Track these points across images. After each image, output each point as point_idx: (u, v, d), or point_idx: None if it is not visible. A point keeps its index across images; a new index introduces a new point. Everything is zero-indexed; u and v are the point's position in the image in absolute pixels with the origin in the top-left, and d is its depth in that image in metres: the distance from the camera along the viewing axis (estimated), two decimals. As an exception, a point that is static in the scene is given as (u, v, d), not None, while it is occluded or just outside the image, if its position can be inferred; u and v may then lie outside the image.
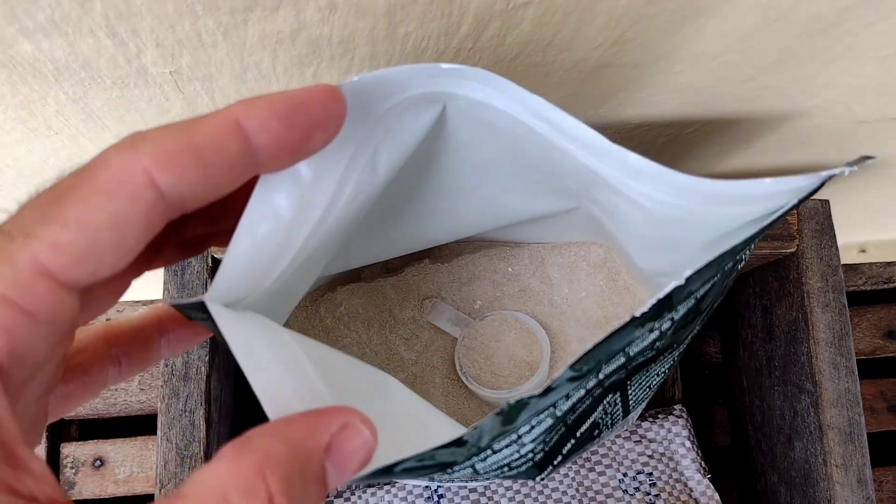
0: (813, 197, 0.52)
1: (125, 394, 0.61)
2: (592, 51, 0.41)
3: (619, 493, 0.51)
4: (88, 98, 0.42)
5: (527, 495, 0.48)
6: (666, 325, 0.27)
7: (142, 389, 0.60)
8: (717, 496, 0.52)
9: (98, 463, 0.59)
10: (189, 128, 0.20)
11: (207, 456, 0.45)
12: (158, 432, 0.45)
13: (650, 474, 0.52)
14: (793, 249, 0.49)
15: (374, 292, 0.44)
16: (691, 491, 0.53)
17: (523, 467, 0.31)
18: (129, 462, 0.60)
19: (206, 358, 0.45)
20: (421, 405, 0.31)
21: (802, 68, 0.47)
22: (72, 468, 0.59)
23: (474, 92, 0.28)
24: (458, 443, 0.24)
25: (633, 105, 0.49)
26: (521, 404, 0.24)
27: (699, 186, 0.27)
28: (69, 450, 0.59)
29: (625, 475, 0.52)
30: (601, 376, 0.27)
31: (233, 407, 0.51)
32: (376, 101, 0.26)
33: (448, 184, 0.36)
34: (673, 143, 0.56)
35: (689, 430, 0.53)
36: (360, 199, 0.27)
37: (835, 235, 0.50)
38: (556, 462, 0.33)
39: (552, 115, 0.27)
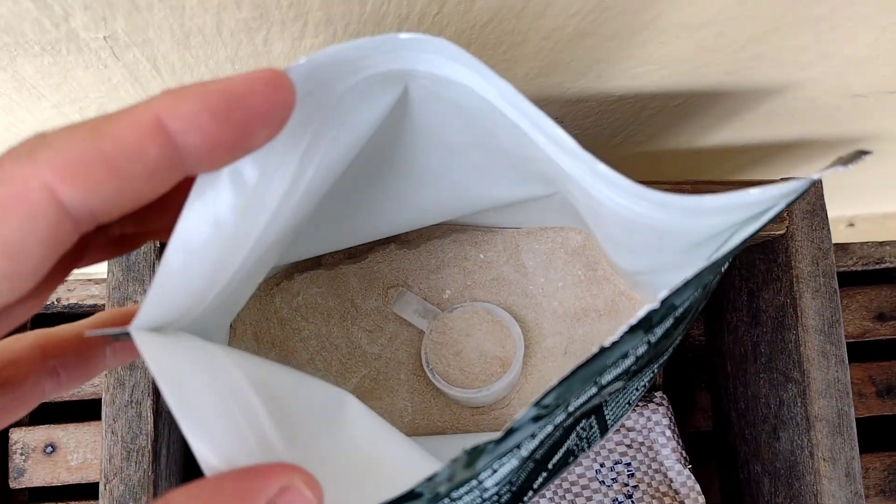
0: (828, 182, 0.49)
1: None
2: (569, 18, 0.38)
3: (595, 485, 0.49)
4: (17, 66, 0.38)
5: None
6: (642, 349, 0.24)
7: (96, 373, 0.57)
8: (697, 486, 0.50)
9: (49, 449, 0.57)
10: (99, 131, 0.17)
11: (155, 451, 0.42)
12: (103, 424, 0.42)
13: (628, 464, 0.50)
14: (782, 231, 0.46)
15: (334, 280, 0.41)
16: (671, 482, 0.50)
17: None
18: (83, 448, 0.57)
19: (154, 349, 0.41)
20: (381, 432, 0.27)
21: (796, 38, 0.43)
22: (21, 454, 0.57)
23: (438, 67, 0.25)
24: (411, 496, 0.21)
25: (614, 77, 0.46)
26: (478, 450, 0.21)
27: (677, 202, 0.24)
28: (18, 435, 0.56)
29: (602, 465, 0.49)
30: (571, 409, 0.25)
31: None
32: (329, 84, 0.23)
33: (414, 169, 0.32)
34: (657, 116, 0.53)
35: (670, 418, 0.51)
36: (317, 192, 0.24)
37: (827, 217, 0.47)
38: (526, 498, 0.30)
39: (521, 104, 0.24)
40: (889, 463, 0.59)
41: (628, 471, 0.50)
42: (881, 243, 0.62)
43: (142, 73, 0.40)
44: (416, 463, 0.27)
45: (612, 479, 0.49)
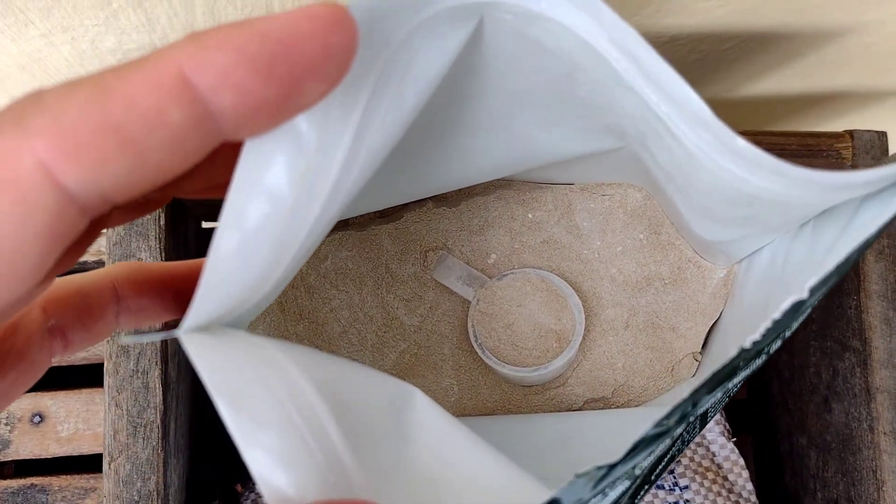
0: (870, 129, 0.45)
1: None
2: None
3: (635, 460, 0.46)
4: (3, -16, 0.33)
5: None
6: (776, 345, 0.21)
7: (86, 337, 0.53)
8: (741, 461, 0.47)
9: (37, 419, 0.53)
10: (106, 90, 0.13)
11: (164, 425, 0.38)
12: (105, 396, 0.38)
13: (669, 438, 0.47)
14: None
15: (366, 243, 0.36)
16: (714, 455, 0.47)
17: None
18: (74, 418, 0.53)
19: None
20: (456, 431, 0.23)
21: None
22: (6, 424, 0.53)
23: (534, 1, 0.21)
24: None
25: (673, 12, 0.42)
26: (593, 474, 0.18)
27: (812, 177, 0.21)
28: (3, 404, 0.52)
29: (641, 440, 0.46)
30: (691, 418, 0.21)
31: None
32: (398, 20, 0.19)
33: (472, 117, 0.28)
34: (704, 60, 0.49)
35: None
36: (382, 152, 0.20)
37: (895, 173, 0.43)
38: None
39: (644, 56, 0.21)
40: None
41: (669, 445, 0.47)
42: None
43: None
44: (503, 466, 0.23)
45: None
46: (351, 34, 0.15)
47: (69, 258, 0.18)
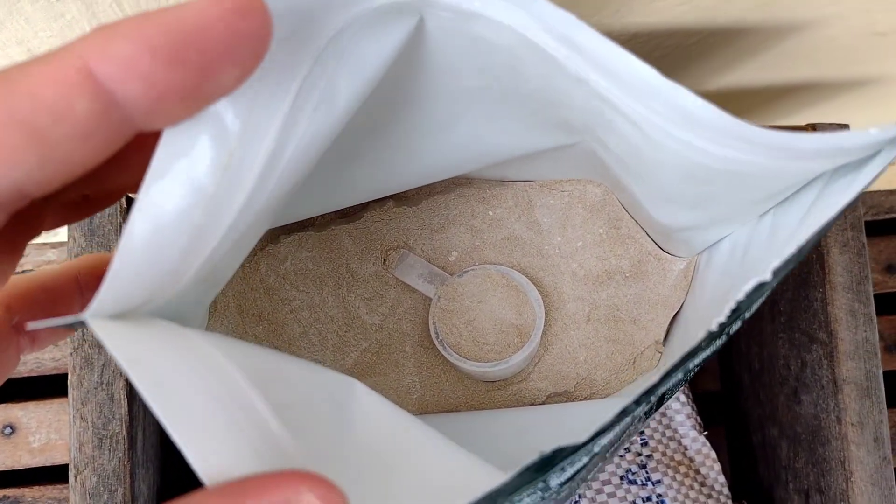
0: (833, 121, 0.46)
1: (38, 353, 0.53)
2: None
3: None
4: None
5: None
6: (736, 326, 0.21)
7: (56, 346, 0.53)
8: (713, 454, 0.47)
9: (8, 430, 0.52)
10: (9, 84, 0.14)
11: (131, 436, 0.38)
12: (70, 409, 0.38)
13: (642, 433, 0.47)
14: (810, 181, 0.43)
15: (326, 243, 0.36)
16: (686, 449, 0.48)
17: None
18: (45, 428, 0.53)
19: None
20: (400, 418, 0.23)
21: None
22: (-24, 436, 0.52)
23: (467, 1, 0.21)
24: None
25: (633, 12, 0.42)
26: (556, 454, 0.18)
27: (776, 141, 0.21)
28: (-27, 415, 0.52)
29: (613, 435, 0.46)
30: (652, 399, 0.21)
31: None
32: (328, 13, 0.19)
33: (422, 117, 0.28)
34: (670, 55, 0.49)
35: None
36: (315, 146, 0.20)
37: (857, 165, 0.43)
38: (580, 491, 0.27)
39: (583, 39, 0.20)
40: (897, 420, 0.57)
41: (641, 439, 0.47)
42: (891, 192, 0.59)
43: (101, 7, 0.35)
44: (448, 462, 0.23)
45: (626, 450, 0.46)
46: (262, 20, 0.15)
47: (11, 252, 0.18)
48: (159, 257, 0.17)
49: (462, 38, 0.23)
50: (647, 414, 0.27)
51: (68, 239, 0.38)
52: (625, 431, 0.25)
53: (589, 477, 0.28)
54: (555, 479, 0.21)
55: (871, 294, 0.43)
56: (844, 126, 0.44)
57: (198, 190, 0.16)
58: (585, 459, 0.22)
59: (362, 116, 0.24)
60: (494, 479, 0.19)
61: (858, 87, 0.62)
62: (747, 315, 0.24)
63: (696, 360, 0.24)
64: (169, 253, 0.17)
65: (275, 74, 0.17)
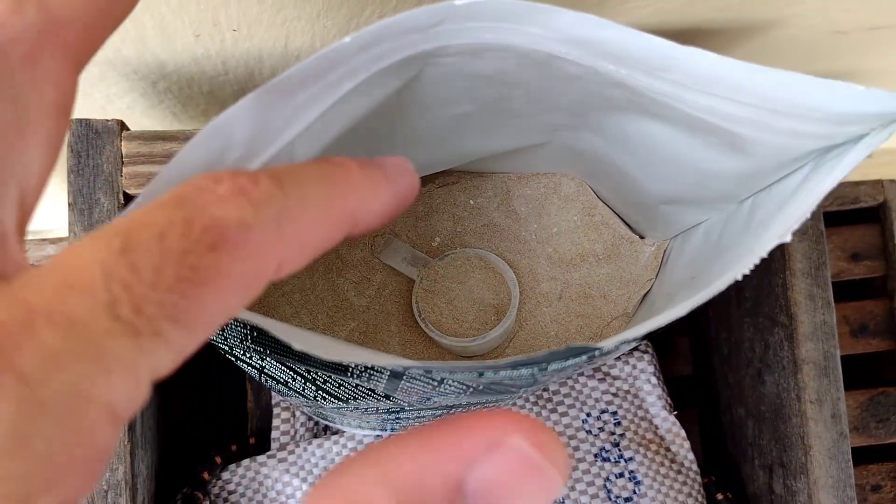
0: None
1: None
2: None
3: (582, 434, 0.48)
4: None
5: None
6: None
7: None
8: (682, 433, 0.50)
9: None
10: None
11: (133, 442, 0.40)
12: None
13: (615, 413, 0.50)
14: (771, 172, 0.46)
15: (317, 230, 0.39)
16: (657, 428, 0.50)
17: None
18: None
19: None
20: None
21: (791, -29, 0.42)
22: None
23: (478, 35, 0.23)
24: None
25: (603, 14, 0.44)
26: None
27: (778, 89, 0.23)
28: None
29: (588, 415, 0.49)
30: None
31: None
32: (335, 85, 0.21)
33: (412, 137, 0.31)
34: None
35: (655, 365, 0.51)
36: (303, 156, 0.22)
37: (815, 157, 0.46)
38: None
39: (594, 32, 0.22)
40: (862, 401, 0.60)
41: (614, 419, 0.49)
42: (856, 183, 0.62)
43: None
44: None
45: (599, 429, 0.48)
46: None
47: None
48: None
49: (459, 76, 0.25)
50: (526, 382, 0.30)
51: (69, 233, 0.40)
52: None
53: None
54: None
55: (829, 279, 0.46)
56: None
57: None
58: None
59: (353, 136, 0.26)
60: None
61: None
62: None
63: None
64: None
65: (280, 121, 0.20)
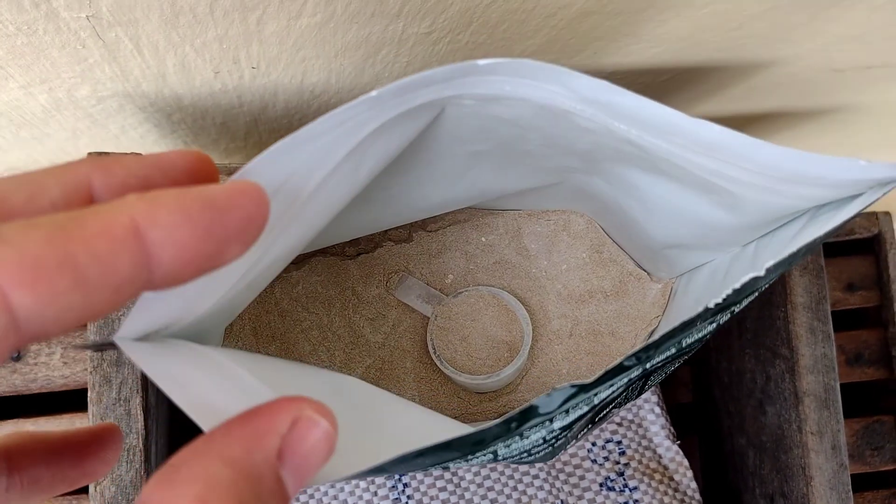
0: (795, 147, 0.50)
1: (46, 368, 0.55)
2: (578, -4, 0.37)
3: (587, 464, 0.49)
4: (-13, 47, 0.36)
5: (494, 470, 0.46)
6: (725, 318, 0.26)
7: (65, 363, 0.55)
8: (685, 462, 0.51)
9: (19, 443, 0.54)
10: (66, 229, 0.14)
11: (147, 449, 0.40)
12: (90, 423, 0.40)
13: (619, 442, 0.50)
14: (772, 210, 0.47)
15: (334, 268, 0.40)
16: (660, 458, 0.51)
17: (542, 453, 0.29)
18: (55, 441, 0.55)
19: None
20: (394, 399, 0.27)
21: (792, 16, 0.43)
22: (-11, 450, 0.54)
23: (497, 87, 0.25)
24: (508, 428, 0.22)
25: (608, 54, 0.45)
26: (574, 390, 0.22)
27: (786, 162, 0.24)
28: (-17, 432, 0.54)
29: (594, 444, 0.50)
30: (648, 366, 0.25)
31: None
32: (362, 125, 0.23)
33: (431, 171, 0.32)
34: (647, 90, 0.52)
35: (659, 395, 0.52)
36: (334, 207, 0.23)
37: (815, 194, 0.47)
38: (567, 446, 0.31)
39: (608, 97, 0.24)
40: (857, 429, 0.61)
41: (619, 449, 0.50)
42: (851, 217, 0.63)
43: (122, 52, 0.38)
44: (432, 420, 0.27)
45: (604, 458, 0.49)
46: (266, 209, 0.17)
47: None
48: (175, 296, 0.19)
49: (478, 117, 0.27)
50: (635, 387, 0.30)
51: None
52: (617, 394, 0.28)
53: (579, 435, 0.31)
54: (558, 422, 0.25)
55: (829, 313, 0.47)
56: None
57: None
58: (585, 409, 0.25)
59: (378, 176, 0.28)
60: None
61: (819, 117, 0.67)
62: (737, 309, 0.28)
63: (690, 340, 0.27)
64: (184, 293, 0.20)
65: (306, 169, 0.21)
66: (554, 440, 0.28)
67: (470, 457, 0.25)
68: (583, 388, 0.22)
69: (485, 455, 0.26)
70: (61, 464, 0.22)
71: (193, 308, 0.21)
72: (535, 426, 0.24)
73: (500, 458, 0.27)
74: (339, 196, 0.24)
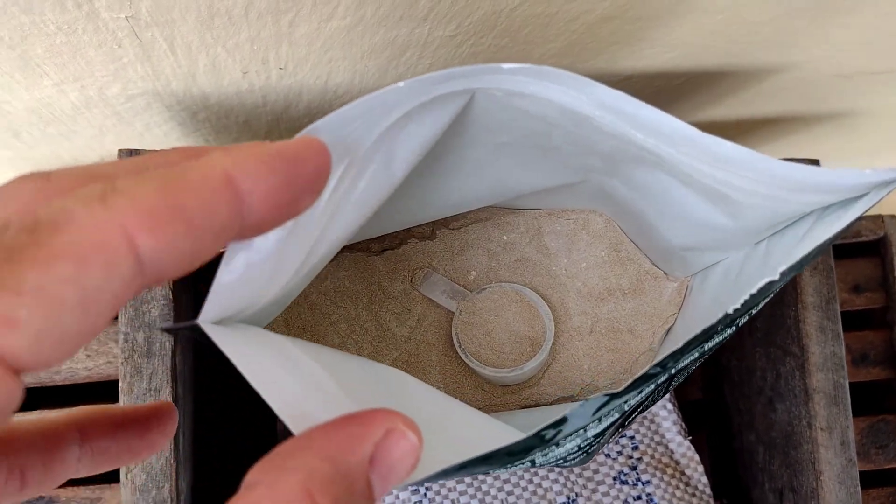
0: (804, 149, 0.51)
1: (70, 360, 0.56)
2: (600, 2, 0.38)
3: (601, 458, 0.50)
4: (27, 45, 0.37)
5: (513, 473, 0.47)
6: (744, 319, 0.26)
7: (88, 356, 0.56)
8: (697, 457, 0.52)
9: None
10: (172, 182, 0.16)
11: (175, 437, 0.41)
12: None
13: (632, 437, 0.52)
14: (784, 211, 0.48)
15: (361, 264, 0.41)
16: (672, 452, 0.52)
17: (576, 459, 0.30)
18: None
19: (172, 332, 0.41)
20: (453, 402, 0.28)
21: (802, 23, 0.45)
22: (11, 442, 0.55)
23: (523, 86, 0.26)
24: (540, 439, 0.23)
25: (624, 58, 0.47)
26: (606, 399, 0.23)
27: (794, 174, 0.26)
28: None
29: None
30: (672, 371, 0.26)
31: (193, 379, 0.48)
32: (391, 109, 0.24)
33: (461, 163, 0.33)
34: (660, 94, 0.54)
35: (671, 392, 0.53)
36: (373, 199, 0.25)
37: (826, 196, 0.49)
38: (599, 450, 0.32)
39: (628, 107, 0.25)
40: (863, 427, 0.62)
41: (632, 444, 0.51)
42: (857, 218, 0.64)
43: (156, 52, 0.39)
44: (486, 423, 0.28)
45: (618, 452, 0.50)
46: (329, 161, 0.19)
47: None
48: (248, 284, 0.21)
49: (507, 108, 0.28)
50: (660, 390, 0.32)
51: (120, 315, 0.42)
52: (645, 398, 0.30)
53: (610, 441, 0.33)
54: (592, 430, 0.26)
55: (839, 312, 0.48)
56: (814, 161, 0.49)
57: (279, 240, 0.21)
58: (616, 416, 0.26)
59: (409, 173, 0.29)
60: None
61: (827, 121, 0.68)
62: (754, 311, 0.29)
63: (711, 343, 0.29)
64: (256, 281, 0.21)
65: (345, 157, 0.22)
66: (588, 447, 0.29)
67: (509, 465, 0.26)
68: (613, 397, 0.23)
69: (523, 463, 0.27)
70: (126, 436, 0.23)
71: (264, 294, 0.22)
72: (571, 435, 0.25)
73: (538, 464, 0.28)
74: (379, 186, 0.25)
